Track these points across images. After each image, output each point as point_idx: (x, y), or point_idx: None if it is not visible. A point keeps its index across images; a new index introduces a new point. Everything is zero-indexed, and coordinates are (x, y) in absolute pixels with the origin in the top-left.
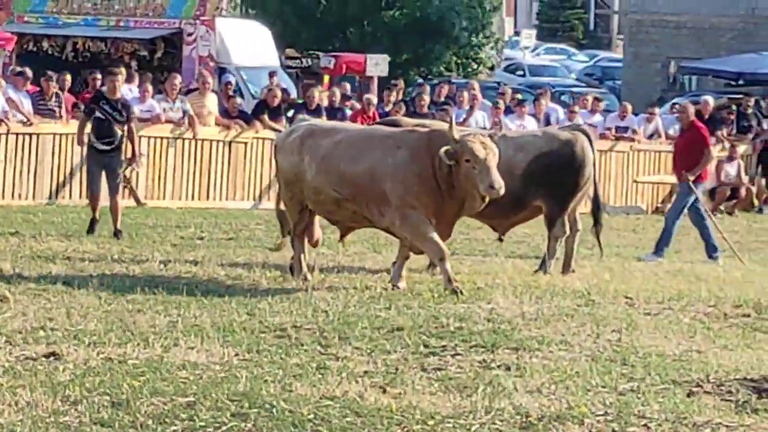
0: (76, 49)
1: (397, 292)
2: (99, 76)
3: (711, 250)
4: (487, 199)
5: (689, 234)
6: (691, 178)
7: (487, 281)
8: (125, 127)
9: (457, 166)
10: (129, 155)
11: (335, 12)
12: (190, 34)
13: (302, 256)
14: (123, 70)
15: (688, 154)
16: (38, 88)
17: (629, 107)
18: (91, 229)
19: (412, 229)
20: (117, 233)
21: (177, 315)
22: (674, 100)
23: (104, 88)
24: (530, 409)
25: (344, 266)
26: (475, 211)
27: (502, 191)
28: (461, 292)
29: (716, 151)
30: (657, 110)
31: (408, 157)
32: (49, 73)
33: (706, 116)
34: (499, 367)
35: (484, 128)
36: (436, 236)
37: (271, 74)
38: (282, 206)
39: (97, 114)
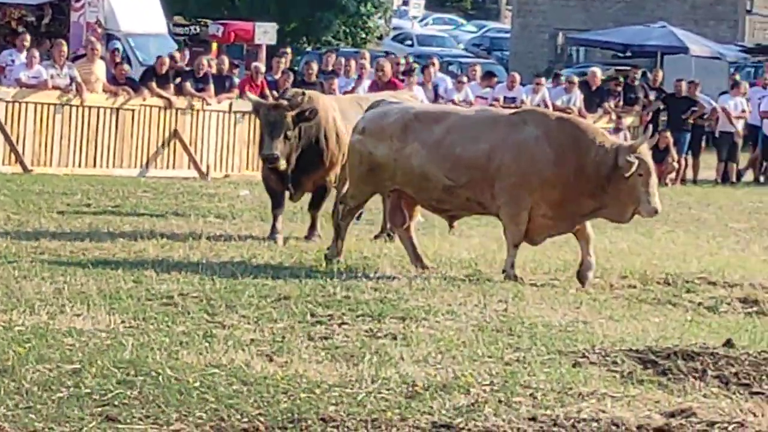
0: None
1: (285, 260)
2: None
3: None
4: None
5: None
6: None
7: (374, 251)
8: None
9: (623, 176)
10: None
11: None
12: (77, 1)
13: (344, 232)
14: None
15: None
16: None
17: (517, 77)
18: None
19: (512, 210)
20: None
21: (63, 282)
22: (562, 71)
23: None
24: (416, 378)
25: (231, 235)
26: (620, 221)
27: None
28: (521, 281)
29: (603, 123)
30: (543, 81)
31: (541, 136)
32: None
33: (594, 88)
34: (385, 336)
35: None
36: (524, 226)
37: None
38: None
39: None
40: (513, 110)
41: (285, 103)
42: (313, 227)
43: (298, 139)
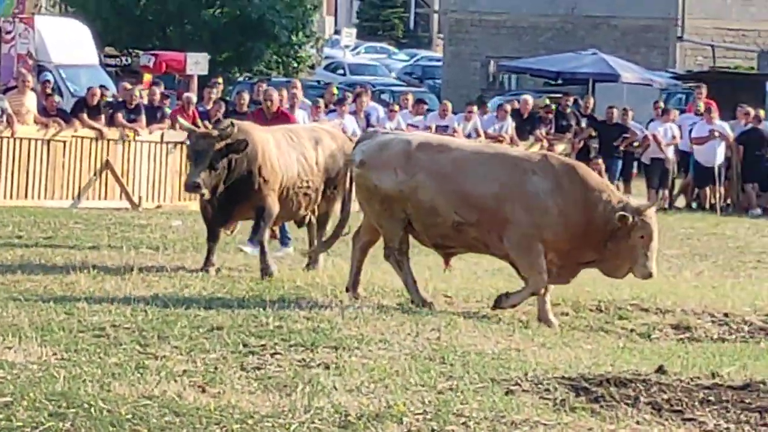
0: None
1: (217, 291)
2: None
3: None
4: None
5: None
6: None
7: (306, 280)
8: None
9: (625, 234)
10: None
11: (155, 10)
12: (8, 32)
13: (412, 276)
14: None
15: None
16: None
17: (449, 106)
18: None
19: (529, 259)
20: None
21: None
22: (494, 99)
23: None
24: (349, 407)
25: (163, 265)
26: (614, 277)
27: None
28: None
29: (535, 150)
30: (475, 109)
31: (550, 186)
32: None
33: (525, 115)
34: (318, 365)
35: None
36: (545, 273)
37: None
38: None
39: None
40: (522, 153)
41: (215, 132)
42: (264, 258)
43: (227, 171)
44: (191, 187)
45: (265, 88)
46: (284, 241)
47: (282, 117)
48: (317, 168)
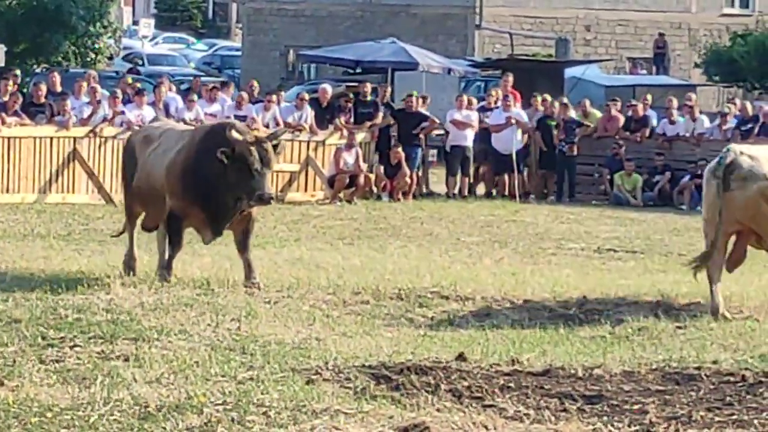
0: None
1: (15, 283)
2: None
3: None
4: None
5: (309, 222)
6: None
7: (105, 271)
8: None
9: None
10: None
11: None
12: None
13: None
14: None
15: None
16: None
17: (246, 96)
18: None
19: None
20: None
21: None
22: (293, 89)
23: None
24: (149, 399)
25: None
26: None
27: None
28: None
29: (335, 139)
30: (275, 98)
31: None
32: None
33: (324, 104)
34: (118, 357)
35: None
36: None
37: None
38: None
39: None
40: None
41: (268, 136)
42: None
43: None
44: (270, 199)
45: None
46: None
47: None
48: None
